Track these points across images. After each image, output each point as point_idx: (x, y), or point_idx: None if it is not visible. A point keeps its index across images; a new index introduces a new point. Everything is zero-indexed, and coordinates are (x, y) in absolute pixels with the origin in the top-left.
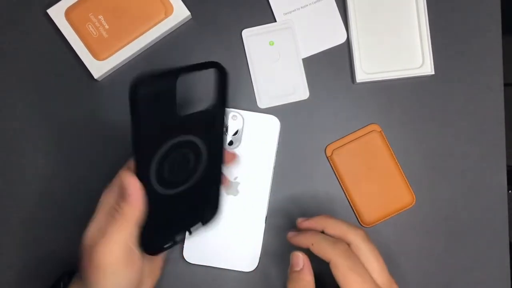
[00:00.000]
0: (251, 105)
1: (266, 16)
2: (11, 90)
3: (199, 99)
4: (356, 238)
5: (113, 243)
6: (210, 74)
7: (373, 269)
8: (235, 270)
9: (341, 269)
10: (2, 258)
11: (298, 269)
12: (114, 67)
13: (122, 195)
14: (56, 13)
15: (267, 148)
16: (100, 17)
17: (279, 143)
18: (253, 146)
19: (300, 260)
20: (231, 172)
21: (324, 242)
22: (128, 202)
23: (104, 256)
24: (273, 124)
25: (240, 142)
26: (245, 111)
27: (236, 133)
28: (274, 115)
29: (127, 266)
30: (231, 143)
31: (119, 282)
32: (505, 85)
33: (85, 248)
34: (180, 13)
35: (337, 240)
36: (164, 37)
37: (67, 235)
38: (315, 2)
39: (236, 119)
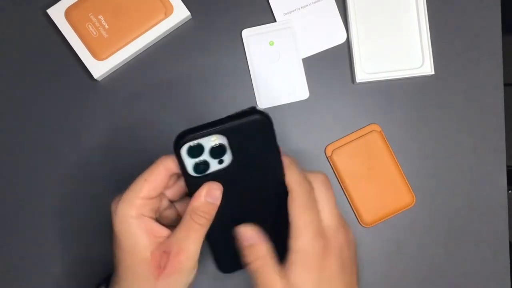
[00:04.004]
0: (251, 105)
1: (266, 16)
2: (11, 90)
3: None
4: (316, 181)
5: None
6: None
7: (323, 210)
8: None
9: (298, 203)
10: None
11: (249, 243)
12: (114, 67)
13: None
14: (56, 13)
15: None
16: (100, 17)
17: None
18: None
19: (248, 233)
20: None
21: (297, 168)
22: None
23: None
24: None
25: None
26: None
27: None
28: (274, 115)
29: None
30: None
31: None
32: (505, 85)
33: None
34: (180, 13)
35: (307, 176)
36: (164, 37)
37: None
38: (315, 2)
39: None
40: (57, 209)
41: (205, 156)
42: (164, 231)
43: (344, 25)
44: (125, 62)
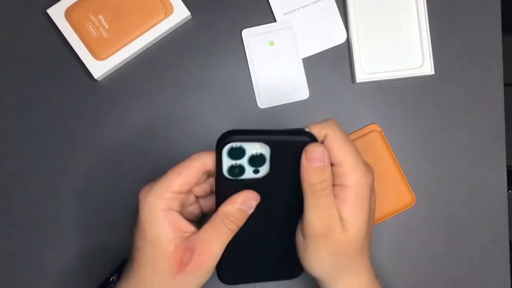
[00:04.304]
0: (251, 105)
1: (266, 16)
2: (10, 89)
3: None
4: (333, 126)
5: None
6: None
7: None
8: None
9: (341, 141)
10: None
11: (319, 164)
12: (114, 67)
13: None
14: (56, 13)
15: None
16: (100, 17)
17: None
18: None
19: (321, 153)
20: None
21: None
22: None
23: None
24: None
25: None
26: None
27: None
28: (274, 115)
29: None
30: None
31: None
32: (505, 85)
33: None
34: (180, 13)
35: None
36: (164, 37)
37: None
38: (315, 2)
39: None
40: (56, 208)
41: (244, 161)
42: (189, 227)
43: (344, 25)
44: (125, 62)
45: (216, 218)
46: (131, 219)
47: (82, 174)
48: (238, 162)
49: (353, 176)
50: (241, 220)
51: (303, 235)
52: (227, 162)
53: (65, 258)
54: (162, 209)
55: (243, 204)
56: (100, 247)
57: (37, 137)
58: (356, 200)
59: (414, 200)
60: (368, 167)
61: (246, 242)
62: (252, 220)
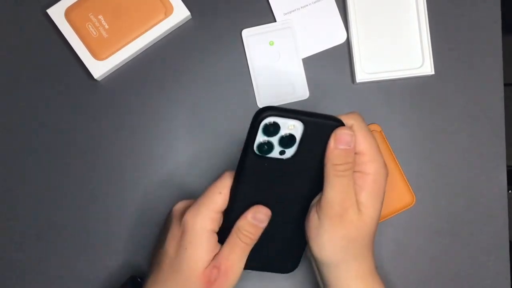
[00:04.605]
0: (251, 105)
1: (266, 16)
2: (10, 89)
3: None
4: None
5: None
6: None
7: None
8: None
9: (364, 133)
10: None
11: (346, 146)
12: (114, 67)
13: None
14: (56, 13)
15: None
16: (100, 17)
17: None
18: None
19: (349, 135)
20: None
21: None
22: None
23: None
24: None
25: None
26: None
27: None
28: None
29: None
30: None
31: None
32: (505, 85)
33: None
34: (180, 13)
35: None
36: (164, 37)
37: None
38: (315, 2)
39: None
40: (56, 208)
41: (275, 139)
42: (218, 247)
43: (344, 25)
44: (125, 62)
45: (233, 234)
46: (130, 219)
47: (82, 174)
48: (270, 139)
49: (373, 165)
50: (255, 234)
51: (319, 215)
52: (259, 137)
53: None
54: (208, 231)
55: (253, 219)
56: (100, 247)
57: (37, 137)
58: (373, 187)
59: (414, 200)
60: (385, 162)
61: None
62: (267, 204)
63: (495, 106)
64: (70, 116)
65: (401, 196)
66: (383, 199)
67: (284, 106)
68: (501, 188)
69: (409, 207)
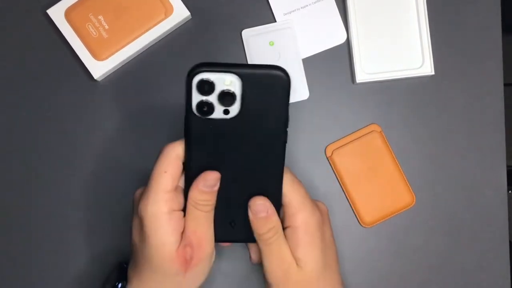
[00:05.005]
0: None
1: (266, 16)
2: (10, 90)
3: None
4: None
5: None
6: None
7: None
8: None
9: (287, 181)
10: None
11: (263, 214)
12: (114, 67)
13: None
14: (56, 13)
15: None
16: (100, 17)
17: None
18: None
19: (263, 204)
20: None
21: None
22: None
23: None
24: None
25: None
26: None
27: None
28: None
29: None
30: (226, 112)
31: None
32: (505, 85)
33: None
34: (180, 13)
35: None
36: (164, 37)
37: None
38: (315, 2)
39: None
40: (56, 208)
41: (213, 98)
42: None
43: (344, 25)
44: (125, 62)
45: (190, 207)
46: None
47: (82, 174)
48: (208, 98)
49: (300, 216)
50: (211, 200)
51: (265, 284)
52: (196, 97)
53: (70, 262)
54: (165, 213)
55: (204, 186)
56: (100, 247)
57: (37, 137)
58: (306, 239)
59: (414, 200)
60: (316, 205)
61: (218, 196)
62: (225, 166)
63: (495, 106)
64: (70, 116)
65: (401, 196)
66: (322, 244)
67: (221, 61)
68: (501, 188)
69: (409, 207)
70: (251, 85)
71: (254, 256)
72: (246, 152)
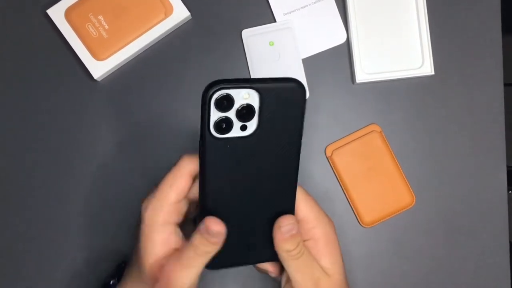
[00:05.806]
0: None
1: (266, 16)
2: (10, 90)
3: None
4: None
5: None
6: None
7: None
8: None
9: (300, 196)
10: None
11: (292, 232)
12: (114, 67)
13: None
14: (56, 13)
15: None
16: (100, 17)
17: None
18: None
19: (292, 223)
20: None
21: None
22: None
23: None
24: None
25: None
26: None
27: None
28: None
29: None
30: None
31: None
32: (505, 85)
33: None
34: (180, 13)
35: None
36: (164, 37)
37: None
38: (315, 2)
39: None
40: (56, 208)
41: (231, 114)
42: (177, 243)
43: (344, 25)
44: (125, 62)
45: (190, 252)
46: (131, 219)
47: (82, 174)
48: (227, 114)
49: (319, 229)
50: (213, 247)
51: None
52: (214, 114)
53: (68, 261)
54: (159, 223)
55: (207, 235)
56: (100, 247)
57: (37, 137)
58: (328, 249)
59: (414, 200)
60: (328, 217)
61: (231, 218)
62: (237, 190)
63: (495, 106)
64: (70, 116)
65: (401, 196)
66: (341, 252)
67: (235, 77)
68: (501, 188)
69: (409, 207)
70: (268, 99)
71: (273, 269)
72: (262, 169)
